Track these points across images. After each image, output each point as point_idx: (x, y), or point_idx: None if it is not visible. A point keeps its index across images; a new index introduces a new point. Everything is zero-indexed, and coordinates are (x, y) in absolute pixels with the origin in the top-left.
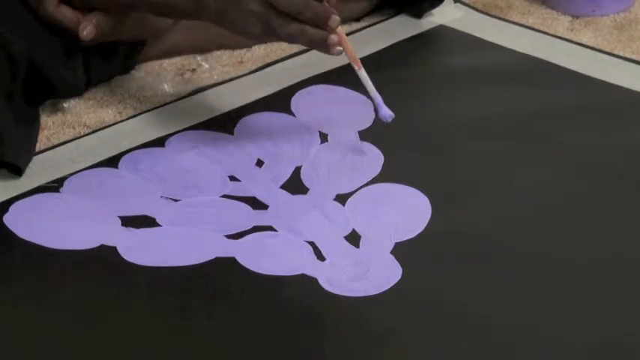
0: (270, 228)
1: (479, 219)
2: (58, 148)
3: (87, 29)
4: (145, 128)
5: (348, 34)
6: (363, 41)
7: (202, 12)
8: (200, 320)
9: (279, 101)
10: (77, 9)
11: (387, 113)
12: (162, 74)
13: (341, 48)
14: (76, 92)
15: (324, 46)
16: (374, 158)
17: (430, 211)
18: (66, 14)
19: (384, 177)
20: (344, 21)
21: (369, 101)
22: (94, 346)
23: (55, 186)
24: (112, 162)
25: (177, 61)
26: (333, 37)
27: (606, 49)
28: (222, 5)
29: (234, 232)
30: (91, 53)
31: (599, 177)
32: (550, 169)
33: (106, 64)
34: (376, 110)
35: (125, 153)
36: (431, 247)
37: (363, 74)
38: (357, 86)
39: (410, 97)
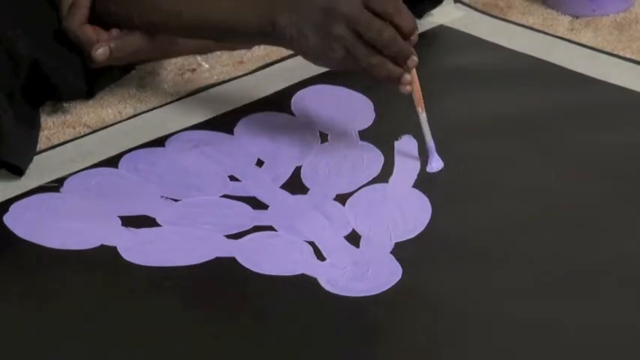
0: (270, 228)
1: (479, 219)
2: (58, 148)
3: (99, 50)
4: (145, 128)
5: None
6: None
7: (274, 35)
8: (200, 320)
9: (279, 101)
10: (109, 28)
11: (436, 165)
12: (162, 74)
13: (410, 88)
14: (77, 94)
15: (397, 83)
16: (374, 158)
17: (430, 211)
18: (86, 33)
19: (383, 177)
20: None
21: (369, 101)
22: (94, 345)
23: (55, 186)
24: (112, 162)
25: (177, 61)
26: (407, 77)
27: (606, 49)
28: (302, 28)
29: (234, 232)
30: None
31: (599, 177)
32: (550, 169)
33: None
34: (427, 156)
35: (125, 153)
36: (431, 247)
37: (423, 118)
38: (357, 86)
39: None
